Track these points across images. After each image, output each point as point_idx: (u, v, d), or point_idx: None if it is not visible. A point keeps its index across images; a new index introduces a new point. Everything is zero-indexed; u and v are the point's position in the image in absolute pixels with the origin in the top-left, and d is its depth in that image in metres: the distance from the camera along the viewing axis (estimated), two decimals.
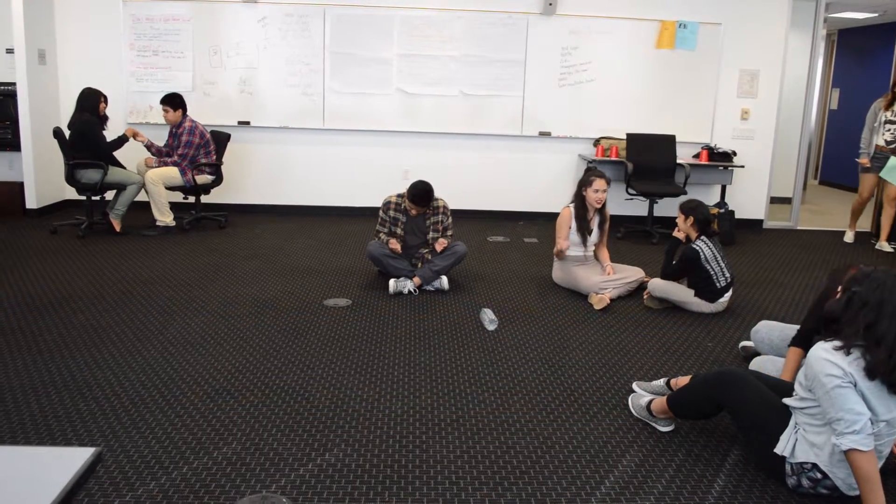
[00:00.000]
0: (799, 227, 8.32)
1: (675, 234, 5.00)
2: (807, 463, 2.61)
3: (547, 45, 7.74)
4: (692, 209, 4.86)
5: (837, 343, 2.50)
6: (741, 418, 2.83)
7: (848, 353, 2.47)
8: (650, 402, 3.22)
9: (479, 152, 7.99)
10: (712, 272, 4.78)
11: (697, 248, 4.79)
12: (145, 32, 7.55)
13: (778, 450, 2.66)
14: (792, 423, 2.68)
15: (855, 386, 2.44)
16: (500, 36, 7.70)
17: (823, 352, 2.50)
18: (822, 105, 11.78)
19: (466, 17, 7.63)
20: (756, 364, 3.65)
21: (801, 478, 2.64)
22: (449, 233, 5.36)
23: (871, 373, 2.43)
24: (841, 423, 2.44)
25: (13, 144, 7.38)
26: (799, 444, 2.63)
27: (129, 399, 3.32)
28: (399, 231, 5.31)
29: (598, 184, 5.24)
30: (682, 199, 7.28)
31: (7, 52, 7.37)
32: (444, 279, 5.21)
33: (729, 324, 4.73)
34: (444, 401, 3.42)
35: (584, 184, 5.30)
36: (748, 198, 8.15)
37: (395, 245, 5.20)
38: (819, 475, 2.59)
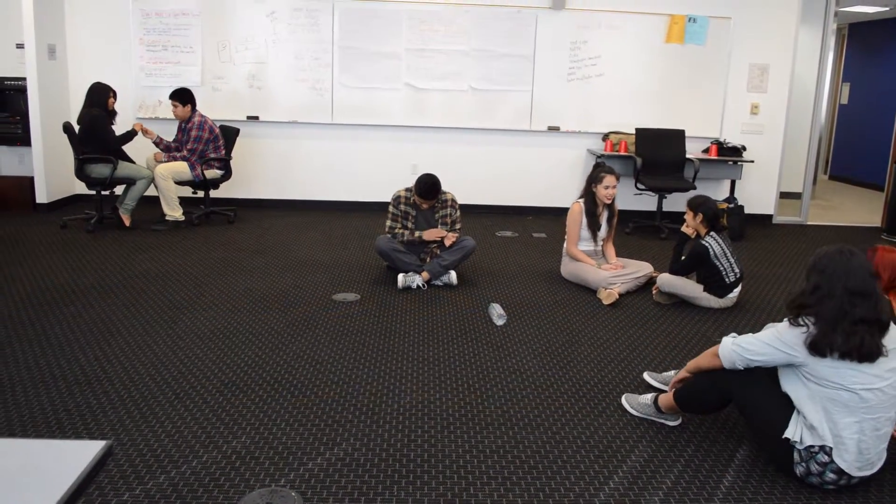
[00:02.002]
0: (809, 223, 8.28)
1: (683, 229, 4.99)
2: (814, 446, 2.62)
3: (556, 40, 7.71)
4: (700, 205, 4.85)
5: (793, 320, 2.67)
6: (749, 409, 2.83)
7: (798, 326, 2.63)
8: (656, 398, 3.22)
9: (488, 147, 7.98)
10: (722, 268, 4.76)
11: (707, 244, 4.77)
12: (154, 27, 7.56)
13: (788, 434, 2.66)
14: (796, 408, 2.71)
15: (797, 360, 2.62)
16: (509, 30, 7.68)
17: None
18: (833, 100, 11.71)
19: (475, 12, 7.61)
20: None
21: (809, 463, 2.64)
22: (457, 226, 5.36)
23: (813, 347, 2.56)
24: (743, 339, 2.76)
25: (23, 139, 7.40)
26: (804, 430, 2.65)
27: (139, 393, 3.34)
28: (410, 225, 5.31)
29: (609, 180, 5.23)
30: (691, 194, 7.30)
31: (17, 48, 7.39)
32: (453, 274, 5.21)
33: (738, 319, 4.71)
34: (453, 395, 3.42)
35: (594, 180, 5.29)
36: (758, 193, 8.11)
37: (432, 233, 5.22)
38: (826, 458, 2.60)
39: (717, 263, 4.75)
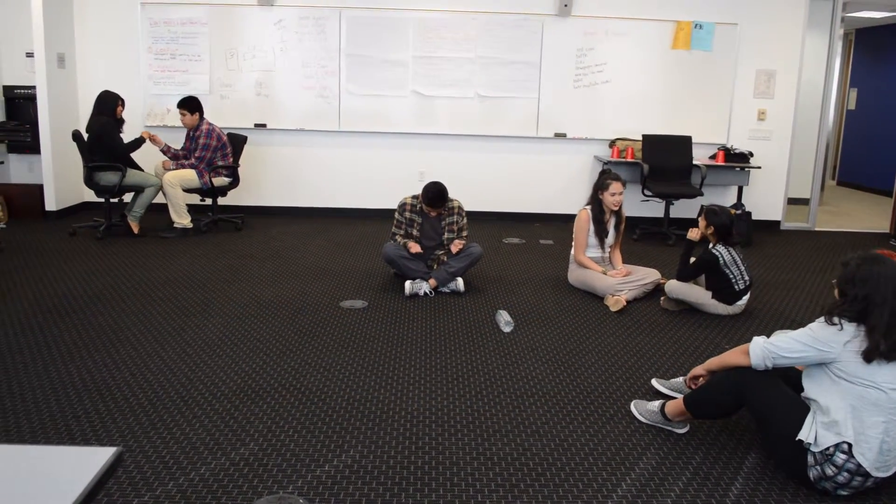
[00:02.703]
0: (817, 229, 8.26)
1: (689, 235, 4.97)
2: (829, 448, 2.61)
3: (562, 47, 7.73)
4: (714, 215, 4.80)
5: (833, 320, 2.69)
6: (762, 409, 2.83)
7: (832, 325, 2.66)
8: (663, 405, 3.21)
9: (495, 154, 7.99)
10: (732, 276, 4.75)
11: (717, 252, 4.75)
12: (163, 36, 7.60)
13: (801, 436, 2.66)
14: (812, 410, 2.71)
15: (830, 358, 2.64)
16: (516, 37, 7.69)
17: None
18: (840, 105, 11.69)
19: (482, 19, 7.64)
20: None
21: (824, 467, 2.63)
22: (464, 233, 5.37)
23: (867, 357, 2.58)
24: (776, 338, 2.77)
25: (33, 147, 7.45)
26: (819, 430, 2.65)
27: (148, 399, 3.35)
28: (415, 232, 5.32)
29: (615, 187, 5.23)
30: (699, 200, 7.30)
31: (27, 56, 7.46)
32: (460, 281, 5.22)
33: (746, 326, 4.70)
34: (460, 402, 3.42)
35: (600, 187, 5.29)
36: (765, 199, 8.10)
37: (416, 247, 5.20)
38: (844, 456, 2.59)
39: (728, 271, 4.74)
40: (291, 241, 6.78)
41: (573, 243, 5.41)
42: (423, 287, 5.13)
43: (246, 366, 3.78)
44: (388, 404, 3.38)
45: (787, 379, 2.91)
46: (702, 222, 4.88)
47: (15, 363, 3.72)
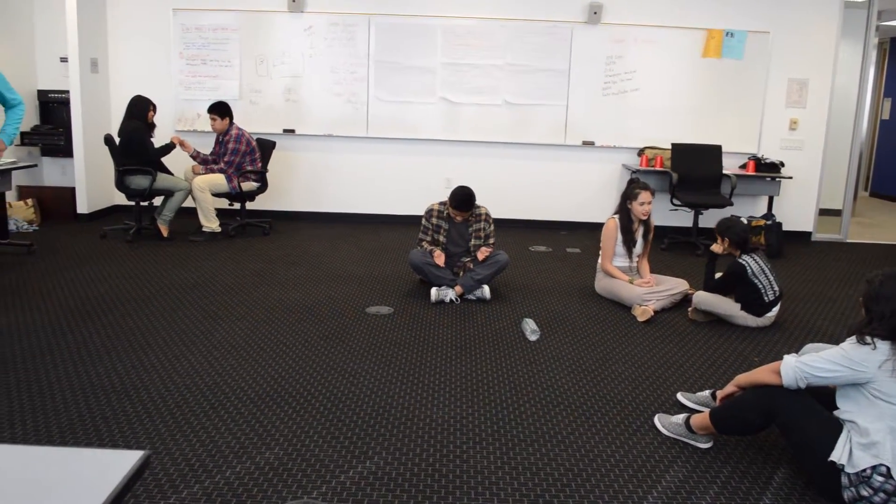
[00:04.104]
0: (849, 240, 8.13)
1: (713, 248, 4.91)
2: (866, 470, 2.55)
3: (591, 54, 7.70)
4: (726, 229, 4.74)
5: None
6: (793, 429, 2.77)
7: (865, 344, 2.62)
8: (688, 418, 3.17)
9: (522, 161, 7.98)
10: (760, 286, 4.68)
11: (744, 262, 4.69)
12: (194, 42, 7.69)
13: (834, 457, 2.60)
14: (846, 429, 2.65)
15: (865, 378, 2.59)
16: (545, 45, 7.68)
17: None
18: (874, 115, 11.52)
19: (510, 27, 7.63)
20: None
21: (859, 488, 2.57)
22: (491, 240, 5.36)
23: None
24: (809, 358, 2.71)
25: (66, 151, 7.56)
26: (855, 451, 2.59)
27: (175, 402, 3.37)
28: (442, 239, 5.32)
29: (644, 196, 5.19)
30: (728, 210, 7.23)
31: (61, 61, 7.58)
32: (486, 288, 5.20)
33: (776, 338, 4.63)
34: (485, 411, 3.41)
35: (629, 196, 5.25)
36: (796, 210, 7.99)
37: (440, 257, 5.20)
38: (881, 478, 2.53)
39: (756, 281, 4.68)
40: (318, 246, 6.81)
41: (600, 252, 5.38)
42: (449, 294, 5.13)
43: (272, 370, 3.80)
44: (412, 411, 3.38)
45: (818, 394, 2.86)
46: (718, 240, 4.83)
47: (45, 364, 3.77)
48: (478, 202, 5.34)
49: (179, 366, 3.81)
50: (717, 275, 4.94)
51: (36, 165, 6.98)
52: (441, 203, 5.36)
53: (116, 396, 3.41)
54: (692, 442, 3.14)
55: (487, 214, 5.38)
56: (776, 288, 4.75)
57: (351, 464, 2.87)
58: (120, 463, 1.43)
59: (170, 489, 2.64)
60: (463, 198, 5.19)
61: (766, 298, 4.72)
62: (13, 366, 3.73)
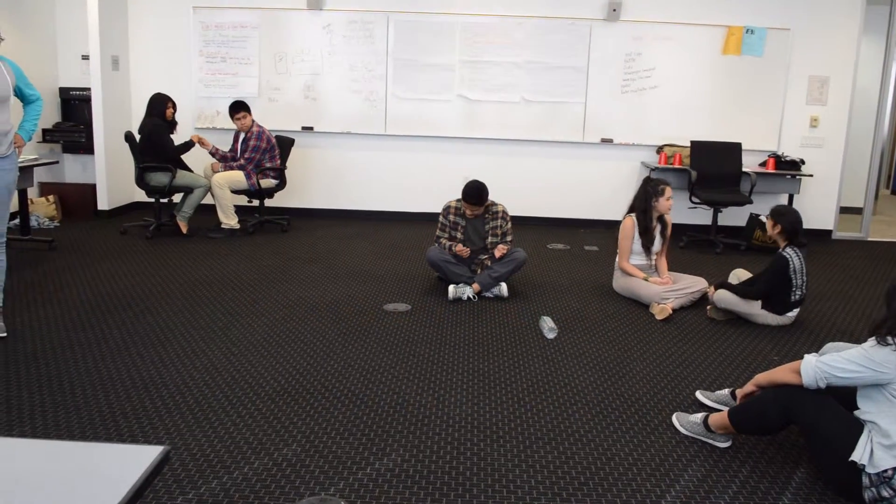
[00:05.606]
0: (870, 239, 8.05)
1: (710, 294, 4.94)
2: (887, 470, 2.53)
3: (610, 52, 7.66)
4: (781, 215, 4.68)
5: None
6: (814, 429, 2.75)
7: (886, 345, 2.59)
8: (706, 417, 3.15)
9: (540, 159, 7.96)
10: (794, 284, 4.63)
11: (787, 256, 4.62)
12: (214, 39, 7.73)
13: (855, 457, 2.58)
14: (867, 430, 2.63)
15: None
16: (563, 42, 7.65)
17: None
18: (895, 112, 11.36)
19: (529, 24, 7.61)
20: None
21: (880, 489, 2.55)
22: (508, 238, 5.34)
23: None
24: (829, 358, 2.68)
25: (87, 147, 7.63)
26: (877, 451, 2.57)
27: (194, 398, 3.39)
28: (459, 236, 5.31)
29: (669, 191, 5.18)
30: (749, 208, 7.18)
31: (83, 59, 7.64)
32: (504, 286, 5.19)
33: (796, 337, 4.60)
34: (503, 408, 3.40)
35: (654, 194, 5.19)
36: (817, 208, 7.92)
37: (464, 249, 5.20)
38: None
39: (793, 278, 4.62)
40: (336, 243, 6.83)
41: (618, 250, 5.36)
42: (467, 291, 5.12)
43: (290, 366, 3.81)
44: (430, 408, 3.38)
45: (838, 394, 2.83)
46: (769, 223, 4.77)
47: (66, 359, 3.80)
48: (496, 200, 5.33)
49: (198, 362, 3.84)
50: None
51: (57, 162, 7.05)
52: (458, 200, 5.36)
53: (136, 392, 3.44)
54: (711, 441, 3.12)
55: (504, 212, 5.37)
56: (804, 290, 4.70)
57: (368, 461, 2.88)
58: (140, 458, 1.44)
59: (188, 485, 2.66)
60: (474, 191, 5.17)
61: (793, 297, 4.67)
62: (34, 361, 3.77)
